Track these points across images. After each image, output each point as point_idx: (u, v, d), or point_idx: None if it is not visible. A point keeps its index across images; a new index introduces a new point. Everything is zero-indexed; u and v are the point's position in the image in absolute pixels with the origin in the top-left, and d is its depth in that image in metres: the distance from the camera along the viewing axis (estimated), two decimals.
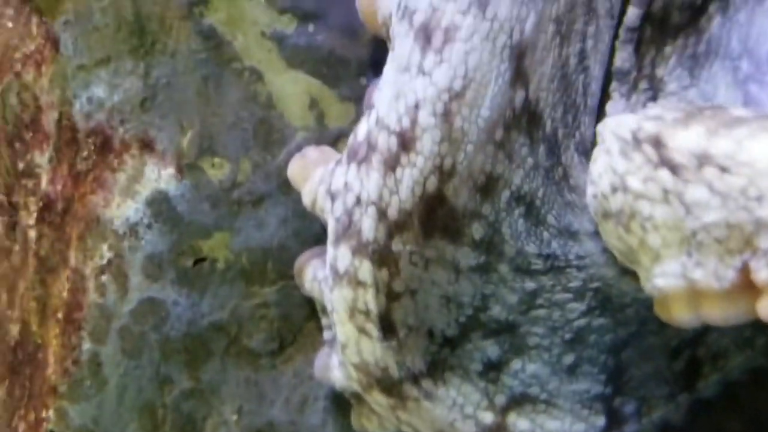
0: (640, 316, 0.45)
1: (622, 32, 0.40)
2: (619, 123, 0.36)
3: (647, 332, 0.46)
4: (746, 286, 0.33)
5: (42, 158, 0.56)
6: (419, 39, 0.40)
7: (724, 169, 0.32)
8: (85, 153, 0.53)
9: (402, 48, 0.40)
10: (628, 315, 0.45)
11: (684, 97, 0.41)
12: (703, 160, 0.32)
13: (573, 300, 0.44)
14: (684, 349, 0.48)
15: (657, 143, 0.34)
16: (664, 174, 0.34)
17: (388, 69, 0.41)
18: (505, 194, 0.41)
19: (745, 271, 0.33)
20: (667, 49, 0.40)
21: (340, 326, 0.45)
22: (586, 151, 0.42)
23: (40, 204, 0.56)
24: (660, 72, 0.41)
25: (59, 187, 0.54)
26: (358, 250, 0.42)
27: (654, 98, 0.41)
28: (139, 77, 0.51)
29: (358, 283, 0.43)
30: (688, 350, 0.48)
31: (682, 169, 0.33)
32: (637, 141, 0.35)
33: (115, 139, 0.52)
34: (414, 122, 0.40)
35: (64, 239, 0.54)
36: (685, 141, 0.33)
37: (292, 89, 0.50)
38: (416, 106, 0.40)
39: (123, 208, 0.51)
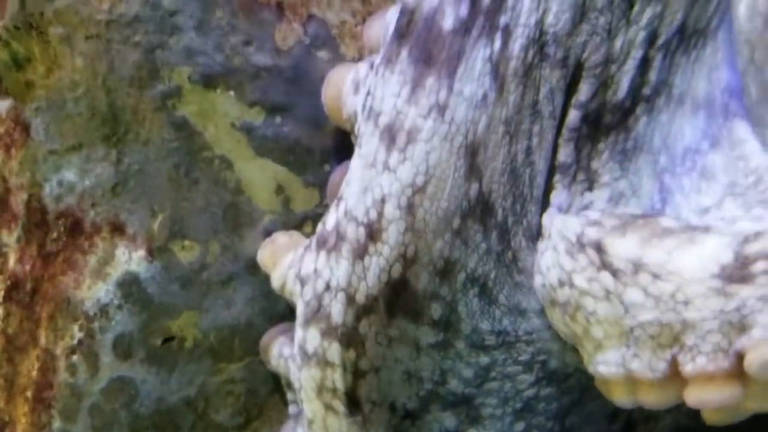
0: (582, 385, 0.49)
1: (564, 131, 0.44)
2: (565, 224, 0.41)
3: (588, 398, 0.50)
4: (675, 376, 0.38)
5: (10, 238, 0.57)
6: (384, 139, 0.43)
7: (656, 276, 0.36)
8: (54, 234, 0.55)
9: (368, 146, 0.44)
10: (572, 384, 0.49)
11: (615, 187, 0.45)
12: (638, 267, 0.37)
13: (523, 372, 0.47)
14: (621, 412, 0.51)
15: (599, 249, 0.38)
16: (606, 277, 0.38)
17: (355, 165, 0.45)
18: (461, 277, 0.44)
19: (674, 363, 0.38)
20: (601, 145, 0.45)
21: (308, 403, 0.47)
22: (533, 237, 0.46)
23: (8, 283, 0.56)
24: (595, 165, 0.45)
25: (28, 267, 0.55)
26: (327, 332, 0.45)
27: (590, 189, 0.45)
28: (111, 163, 0.53)
29: (326, 364, 0.45)
30: (624, 413, 0.52)
31: (621, 274, 0.37)
32: (581, 244, 0.39)
33: (85, 222, 0.54)
34: (381, 215, 0.43)
35: (33, 319, 0.55)
36: (623, 249, 0.37)
37: (260, 176, 0.53)
38: (382, 200, 0.43)
39: (94, 290, 0.53)
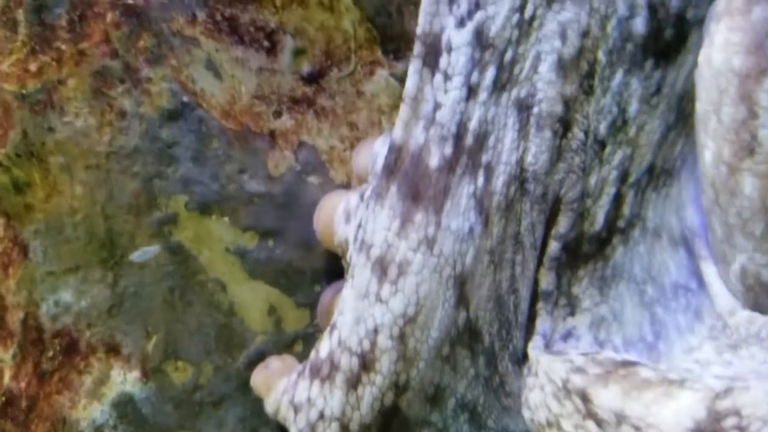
0: None
1: (546, 260, 0.46)
2: (551, 368, 0.42)
3: None
4: None
5: (5, 354, 0.57)
6: (376, 271, 0.45)
7: (637, 428, 0.38)
8: (50, 353, 0.55)
9: (361, 277, 0.45)
10: None
11: (596, 312, 0.47)
12: (621, 418, 0.38)
13: None
14: None
15: (584, 397, 0.40)
16: (591, 425, 0.40)
17: (348, 295, 0.46)
18: (452, 402, 0.45)
19: None
20: (580, 272, 0.47)
21: None
22: (518, 361, 0.47)
23: (3, 399, 0.56)
24: (575, 290, 0.47)
25: (23, 384, 0.55)
26: None
27: (572, 314, 0.47)
28: (107, 286, 0.54)
29: None
30: None
31: (606, 424, 0.39)
32: (567, 390, 0.41)
33: (81, 342, 0.54)
34: (373, 345, 0.44)
35: None
36: (606, 399, 0.39)
37: (252, 297, 0.54)
38: (375, 331, 0.44)
39: (89, 410, 0.53)
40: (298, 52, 0.57)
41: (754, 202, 0.37)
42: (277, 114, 0.56)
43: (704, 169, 0.40)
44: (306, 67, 0.58)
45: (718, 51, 0.37)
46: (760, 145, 0.37)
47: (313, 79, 0.58)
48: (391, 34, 0.58)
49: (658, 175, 0.46)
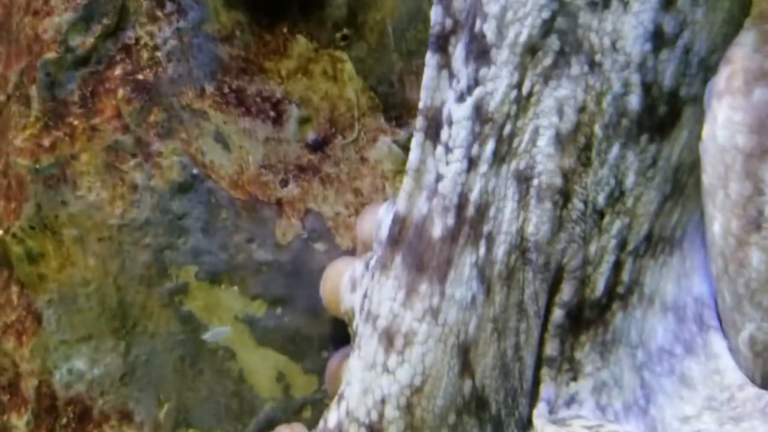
0: None
1: (550, 327, 0.47)
2: None
3: None
4: None
5: (20, 421, 0.57)
6: (383, 341, 0.45)
7: None
8: (64, 421, 0.55)
9: (368, 348, 0.46)
10: None
11: (598, 377, 0.47)
12: None
13: None
14: None
15: None
16: None
17: (355, 366, 0.47)
18: None
19: None
20: (582, 337, 0.47)
21: None
22: (524, 427, 0.47)
23: None
24: (578, 355, 0.47)
25: None
26: None
27: (575, 378, 0.48)
28: (119, 354, 0.54)
29: None
30: None
31: None
32: None
33: (94, 410, 0.55)
34: (381, 415, 0.45)
35: None
36: None
37: (261, 365, 0.55)
38: (383, 401, 0.45)
39: None
40: (303, 121, 0.59)
41: (761, 274, 0.38)
42: (284, 182, 0.57)
43: (713, 239, 0.41)
44: (311, 135, 0.59)
45: (722, 129, 0.38)
46: (767, 220, 0.38)
47: (318, 146, 0.59)
48: (393, 103, 0.59)
49: (655, 243, 0.47)
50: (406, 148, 0.59)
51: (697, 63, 0.44)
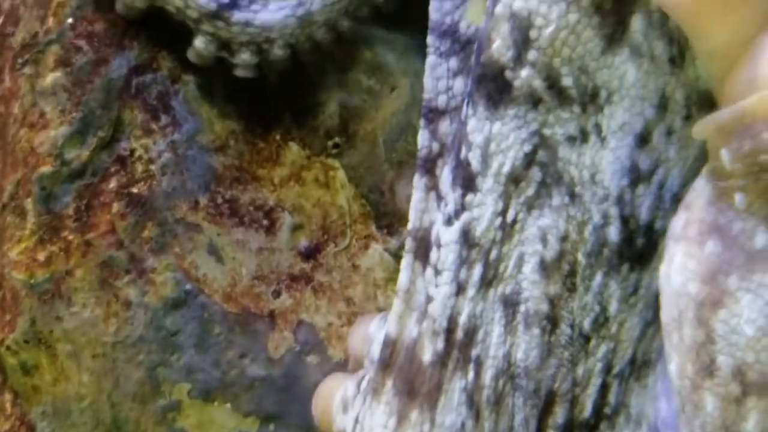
0: None
1: None
2: None
3: None
4: None
5: None
6: None
7: None
8: None
9: None
10: None
11: None
12: None
13: None
14: None
15: None
16: None
17: None
18: None
19: None
20: None
21: None
22: None
23: None
24: None
25: None
26: None
27: None
28: None
29: None
30: None
31: None
32: None
33: None
34: None
35: None
36: None
37: None
38: None
39: None
40: (296, 228, 0.62)
41: (715, 419, 0.40)
42: (277, 293, 0.61)
43: (671, 376, 0.44)
44: (303, 243, 0.63)
45: (676, 273, 0.41)
46: (719, 369, 0.40)
47: (311, 254, 0.63)
48: (385, 211, 0.63)
49: (639, 367, 0.51)
50: (397, 256, 0.63)
51: (671, 198, 0.48)
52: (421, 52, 0.54)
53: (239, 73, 0.60)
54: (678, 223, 0.41)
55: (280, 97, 0.63)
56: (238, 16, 0.59)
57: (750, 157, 0.37)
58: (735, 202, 0.38)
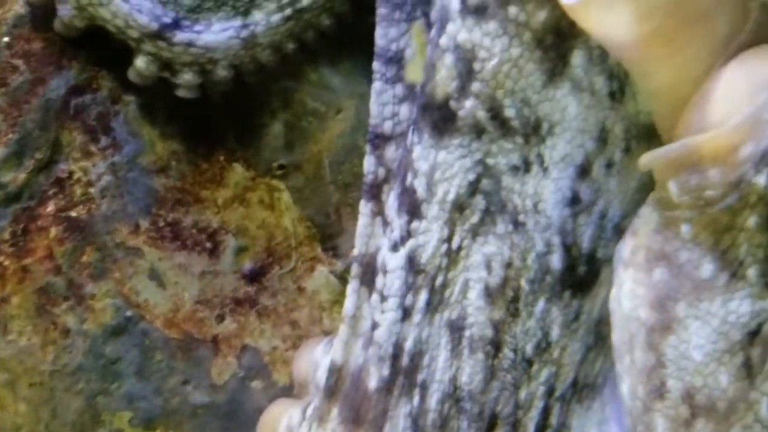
0: None
1: None
2: None
3: None
4: None
5: None
6: None
7: None
8: None
9: None
10: None
11: None
12: None
13: None
14: None
15: None
16: None
17: None
18: None
19: None
20: None
21: None
22: None
23: None
24: None
25: None
26: None
27: None
28: None
29: None
30: None
31: None
32: None
33: None
34: None
35: None
36: None
37: None
38: None
39: None
40: (240, 251, 0.63)
41: None
42: (220, 318, 0.62)
43: (623, 397, 0.46)
44: (248, 266, 0.63)
45: (627, 298, 0.43)
46: (669, 391, 0.42)
47: (255, 277, 0.63)
48: (330, 233, 0.64)
49: (581, 389, 0.53)
50: (343, 278, 0.64)
51: (612, 228, 0.50)
52: (367, 74, 0.55)
53: (181, 93, 0.61)
54: (626, 248, 0.43)
55: (224, 118, 0.63)
56: (180, 36, 0.60)
57: (697, 192, 0.39)
58: (681, 232, 0.40)
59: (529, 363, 0.52)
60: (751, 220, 0.39)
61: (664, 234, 0.40)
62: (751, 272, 0.40)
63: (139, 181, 0.61)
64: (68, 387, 0.57)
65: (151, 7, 0.59)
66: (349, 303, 0.53)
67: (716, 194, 0.38)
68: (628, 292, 0.42)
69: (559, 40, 0.45)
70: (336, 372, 0.52)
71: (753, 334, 0.41)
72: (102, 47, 0.59)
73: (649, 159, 0.41)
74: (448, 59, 0.47)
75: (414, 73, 0.52)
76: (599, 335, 0.52)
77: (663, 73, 0.39)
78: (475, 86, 0.47)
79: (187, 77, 0.61)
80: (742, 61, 0.38)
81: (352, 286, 0.53)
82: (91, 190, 0.60)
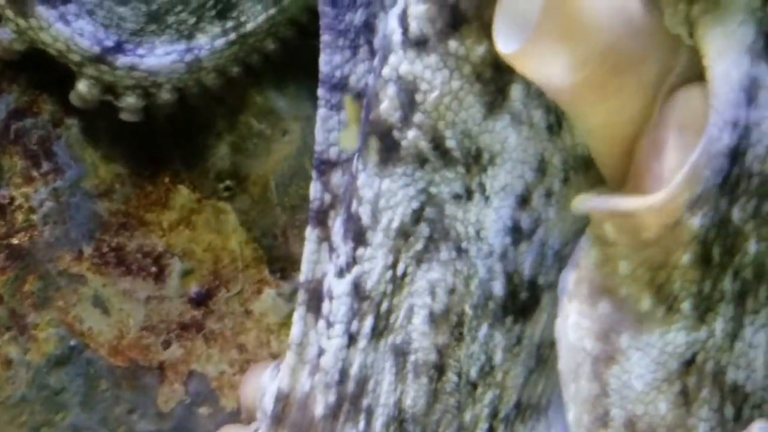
0: None
1: None
2: None
3: None
4: None
5: None
6: None
7: None
8: None
9: None
10: None
11: None
12: None
13: None
14: None
15: None
16: None
17: None
18: None
19: None
20: None
21: None
22: None
23: None
24: None
25: None
26: None
27: None
28: None
29: None
30: None
31: None
32: None
33: None
34: None
35: None
36: None
37: None
38: None
39: None
40: (186, 274, 0.64)
41: None
42: (166, 344, 0.63)
43: (569, 423, 0.49)
44: (194, 289, 0.65)
45: (572, 329, 0.45)
46: (612, 420, 0.45)
47: (202, 300, 0.65)
48: (278, 255, 0.66)
49: (524, 410, 0.55)
50: (290, 300, 0.66)
51: (552, 255, 0.52)
52: (313, 97, 0.57)
53: (125, 117, 0.62)
54: (569, 279, 0.45)
55: (169, 139, 0.64)
56: (123, 60, 0.61)
57: (633, 234, 0.41)
58: (619, 269, 0.43)
59: (474, 386, 0.54)
60: (685, 258, 0.41)
61: (604, 269, 0.43)
62: (686, 306, 0.42)
63: (82, 206, 0.62)
64: (11, 419, 0.58)
65: (93, 31, 0.60)
66: (295, 330, 0.54)
67: (652, 236, 0.41)
68: (573, 323, 0.44)
69: (498, 74, 0.47)
70: (283, 399, 0.54)
71: (688, 364, 0.43)
72: (43, 70, 0.60)
73: (584, 206, 0.44)
74: (391, 90, 0.49)
75: (348, 141, 0.54)
76: (540, 358, 0.54)
77: (596, 115, 0.42)
78: (418, 117, 0.49)
79: (130, 101, 0.62)
80: (672, 105, 0.40)
81: (298, 313, 0.55)
82: (33, 216, 0.61)
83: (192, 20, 0.62)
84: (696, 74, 0.42)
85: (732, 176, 0.41)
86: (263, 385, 0.58)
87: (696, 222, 0.41)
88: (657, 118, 0.40)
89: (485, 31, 0.46)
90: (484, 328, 0.53)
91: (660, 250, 0.41)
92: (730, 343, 0.43)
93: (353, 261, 0.53)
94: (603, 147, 0.43)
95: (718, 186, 0.40)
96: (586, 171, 0.49)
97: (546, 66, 0.41)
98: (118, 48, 0.60)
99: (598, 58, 0.39)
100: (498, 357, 0.53)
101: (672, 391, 0.43)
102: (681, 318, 0.43)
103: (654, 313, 0.42)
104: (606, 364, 0.43)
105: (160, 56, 0.61)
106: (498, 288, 0.52)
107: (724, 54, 0.39)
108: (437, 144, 0.49)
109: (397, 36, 0.49)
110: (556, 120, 0.49)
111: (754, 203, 0.42)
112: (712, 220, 0.41)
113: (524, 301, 0.52)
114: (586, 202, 0.43)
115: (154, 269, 0.63)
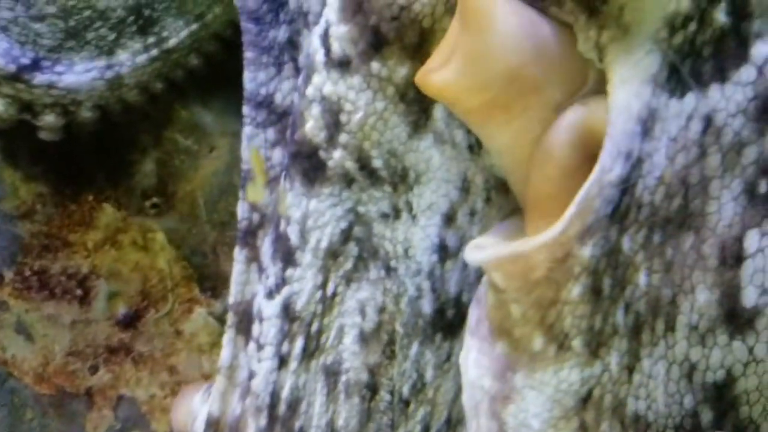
0: None
1: None
2: None
3: None
4: None
5: None
6: None
7: None
8: None
9: None
10: None
11: None
12: None
13: None
14: None
15: None
16: None
17: None
18: None
19: None
20: None
21: None
22: None
23: None
24: None
25: None
26: None
27: None
28: None
29: None
30: None
31: None
32: None
33: None
34: None
35: None
36: None
37: None
38: None
39: None
40: (113, 296, 0.64)
41: None
42: (94, 369, 0.63)
43: None
44: (122, 311, 0.65)
45: (472, 366, 0.46)
46: None
47: (130, 322, 0.65)
48: (208, 273, 0.66)
49: (454, 426, 0.57)
50: (221, 319, 0.67)
51: (475, 272, 0.54)
52: (240, 112, 0.58)
53: (44, 135, 0.61)
54: (472, 317, 0.46)
55: (92, 156, 0.64)
56: (40, 78, 0.61)
57: (522, 277, 0.43)
58: (512, 313, 0.44)
59: (406, 403, 0.55)
60: (575, 291, 0.42)
61: (499, 312, 0.44)
62: (576, 343, 0.43)
63: (2, 229, 0.62)
64: None
65: (8, 48, 0.60)
66: (225, 353, 0.55)
67: (541, 274, 0.42)
68: (473, 361, 0.45)
69: (420, 94, 0.48)
70: (214, 424, 0.54)
71: (585, 400, 0.44)
72: None
73: (472, 259, 0.45)
74: (315, 110, 0.50)
75: (254, 193, 0.54)
76: None
77: (503, 135, 0.43)
78: (343, 137, 0.50)
79: (49, 119, 0.61)
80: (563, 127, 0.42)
81: (228, 335, 0.55)
82: None
83: (112, 36, 0.62)
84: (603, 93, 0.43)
85: (622, 206, 0.42)
86: (194, 409, 0.59)
87: (586, 252, 0.41)
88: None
89: (407, 53, 0.47)
90: (414, 346, 0.54)
91: (550, 287, 0.42)
92: (628, 376, 0.44)
93: (282, 282, 0.54)
94: (512, 167, 0.45)
95: (608, 216, 0.42)
96: (505, 192, 0.51)
97: (453, 86, 0.42)
98: (35, 65, 0.60)
99: (505, 79, 0.41)
100: (429, 374, 0.55)
101: (570, 427, 0.44)
102: (573, 355, 0.43)
103: (546, 351, 0.43)
104: (503, 403, 0.44)
105: (79, 73, 0.61)
106: (426, 306, 0.53)
107: (627, 82, 0.40)
108: (364, 164, 0.51)
109: (320, 56, 0.50)
110: (476, 140, 0.50)
111: (644, 233, 0.43)
112: (603, 249, 0.41)
113: (451, 319, 0.54)
114: (474, 254, 0.44)
115: (79, 292, 0.63)
